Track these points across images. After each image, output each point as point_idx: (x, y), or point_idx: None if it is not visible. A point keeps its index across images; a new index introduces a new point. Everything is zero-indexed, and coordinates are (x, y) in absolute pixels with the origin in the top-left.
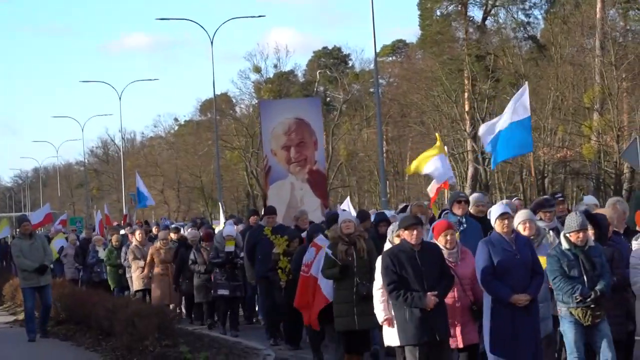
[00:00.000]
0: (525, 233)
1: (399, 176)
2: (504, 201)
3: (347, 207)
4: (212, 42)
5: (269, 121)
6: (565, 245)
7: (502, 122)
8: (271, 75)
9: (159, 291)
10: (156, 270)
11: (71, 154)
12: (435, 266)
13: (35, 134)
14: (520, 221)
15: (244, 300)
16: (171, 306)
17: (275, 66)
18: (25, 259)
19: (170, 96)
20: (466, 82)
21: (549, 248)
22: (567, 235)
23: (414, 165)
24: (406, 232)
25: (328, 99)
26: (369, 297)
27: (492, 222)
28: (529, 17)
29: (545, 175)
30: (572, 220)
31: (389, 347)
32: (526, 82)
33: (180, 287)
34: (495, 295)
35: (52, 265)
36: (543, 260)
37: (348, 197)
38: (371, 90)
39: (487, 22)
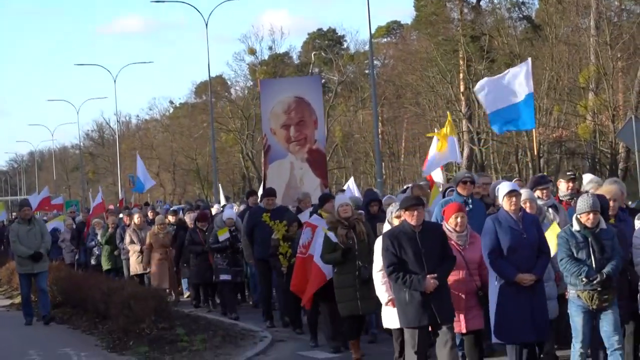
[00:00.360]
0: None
1: (395, 157)
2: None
3: (352, 188)
4: (206, 25)
5: (268, 100)
6: (575, 226)
7: (503, 97)
8: (266, 57)
9: (158, 275)
10: (155, 254)
11: (66, 138)
12: (436, 248)
13: (30, 118)
14: (522, 201)
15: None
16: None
17: (270, 48)
18: (21, 244)
19: (165, 79)
20: (461, 62)
21: (549, 224)
22: (578, 216)
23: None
24: (407, 212)
25: (323, 80)
26: (371, 281)
27: (500, 200)
28: None
29: (541, 155)
30: (584, 201)
31: (388, 330)
32: (529, 59)
33: (180, 270)
34: (500, 274)
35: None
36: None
37: (352, 178)
38: (366, 71)
39: (481, 3)
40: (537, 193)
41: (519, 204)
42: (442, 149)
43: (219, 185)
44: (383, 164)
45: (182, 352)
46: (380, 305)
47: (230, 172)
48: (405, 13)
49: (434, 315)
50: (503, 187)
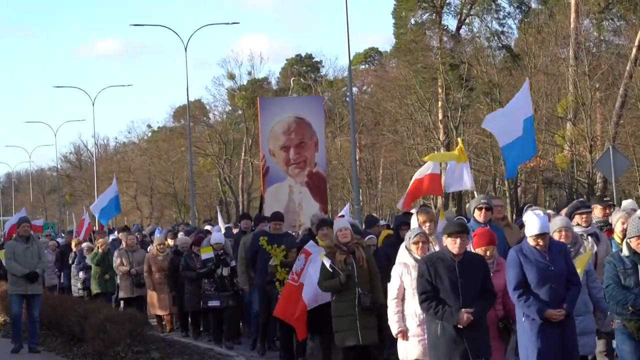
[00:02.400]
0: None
1: (372, 184)
2: (536, 210)
3: (346, 214)
4: (186, 49)
5: (267, 119)
6: (625, 251)
7: (516, 127)
8: (245, 82)
9: (157, 300)
10: (155, 277)
11: (44, 160)
12: (475, 280)
13: (7, 139)
14: (556, 229)
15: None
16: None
17: (249, 73)
18: (16, 262)
19: (143, 102)
20: (440, 90)
21: (589, 254)
22: (628, 240)
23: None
24: (449, 239)
25: None
26: (372, 309)
27: (527, 233)
28: (503, 27)
29: (519, 184)
30: (634, 224)
31: None
32: (527, 79)
33: (172, 294)
34: (528, 311)
35: (44, 274)
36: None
37: (348, 204)
38: (345, 98)
39: (461, 31)
40: (577, 219)
41: (545, 244)
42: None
43: (217, 208)
44: (360, 190)
45: None
46: (380, 335)
47: (207, 197)
48: (384, 40)
49: (466, 353)
50: (531, 224)
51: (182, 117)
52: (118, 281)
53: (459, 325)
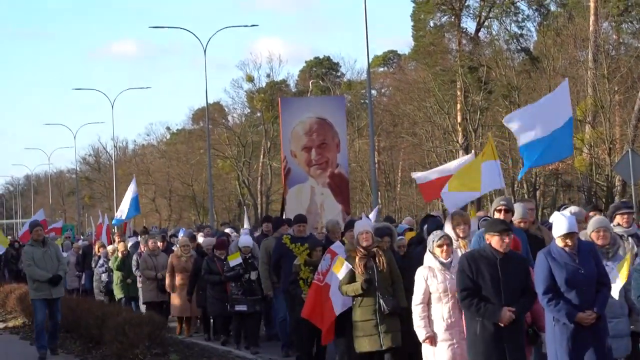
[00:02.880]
0: (598, 242)
1: (391, 187)
2: (572, 209)
3: (374, 218)
4: (205, 51)
5: (289, 120)
6: None
7: (542, 127)
8: (264, 85)
9: (180, 302)
10: (176, 279)
11: (63, 162)
12: (517, 279)
13: (27, 141)
14: (594, 229)
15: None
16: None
17: (268, 75)
18: (37, 267)
19: (162, 104)
20: (459, 93)
21: (630, 256)
22: None
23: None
24: (496, 237)
25: None
26: (394, 314)
27: (554, 234)
28: (522, 29)
29: (537, 187)
30: None
31: None
32: (566, 79)
33: (191, 298)
34: (558, 316)
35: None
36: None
37: (377, 207)
38: (363, 100)
39: (480, 34)
40: (617, 220)
41: (574, 244)
42: (470, 173)
43: (244, 208)
44: (379, 193)
45: None
46: (402, 339)
47: (226, 199)
48: (402, 42)
49: (504, 353)
50: (559, 225)
51: (201, 120)
52: (139, 285)
53: (501, 324)
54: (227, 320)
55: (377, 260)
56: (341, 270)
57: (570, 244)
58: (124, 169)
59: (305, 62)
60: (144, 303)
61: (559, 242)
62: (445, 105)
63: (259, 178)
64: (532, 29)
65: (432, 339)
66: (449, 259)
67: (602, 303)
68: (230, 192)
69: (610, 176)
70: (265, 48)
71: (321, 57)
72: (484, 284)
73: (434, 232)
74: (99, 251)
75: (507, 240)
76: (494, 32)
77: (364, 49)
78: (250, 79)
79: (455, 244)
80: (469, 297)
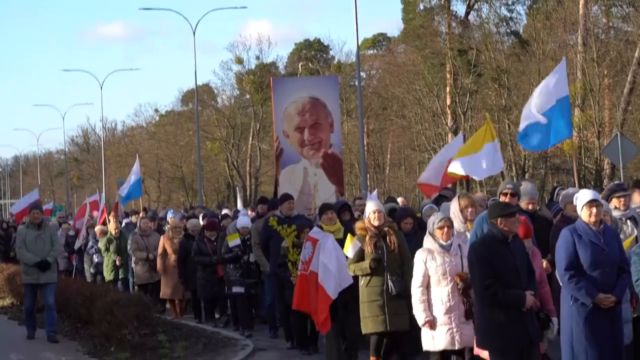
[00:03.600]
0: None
1: (380, 169)
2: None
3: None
4: (194, 33)
5: (281, 100)
6: None
7: (539, 106)
8: (253, 67)
9: (170, 284)
10: (167, 262)
11: (52, 143)
12: (526, 261)
13: (15, 122)
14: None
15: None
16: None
17: (257, 57)
18: (27, 251)
19: (151, 86)
20: (448, 76)
21: (631, 240)
22: None
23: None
24: (507, 220)
25: None
26: (402, 295)
27: (578, 209)
28: (512, 13)
29: (526, 170)
30: None
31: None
32: (563, 58)
33: (185, 281)
34: (577, 294)
35: (57, 262)
36: None
37: (376, 189)
38: (352, 83)
39: (470, 17)
40: (614, 202)
41: (600, 215)
42: (468, 152)
43: (238, 189)
44: (368, 175)
45: (164, 359)
46: (410, 323)
47: (215, 181)
48: (392, 25)
49: (529, 337)
50: (582, 196)
51: (190, 101)
52: (132, 266)
53: (524, 309)
54: (218, 303)
55: (388, 240)
56: (350, 248)
57: (595, 212)
58: (113, 150)
59: (295, 44)
60: (136, 285)
61: (585, 215)
62: (434, 88)
63: (248, 160)
64: (522, 12)
65: (432, 323)
66: (449, 242)
67: (622, 288)
68: (219, 173)
69: (599, 159)
70: (254, 30)
71: (311, 39)
72: (503, 270)
73: (434, 214)
74: (87, 231)
75: (515, 222)
76: (483, 15)
77: (354, 32)
78: (239, 61)
79: (462, 226)
80: (493, 287)
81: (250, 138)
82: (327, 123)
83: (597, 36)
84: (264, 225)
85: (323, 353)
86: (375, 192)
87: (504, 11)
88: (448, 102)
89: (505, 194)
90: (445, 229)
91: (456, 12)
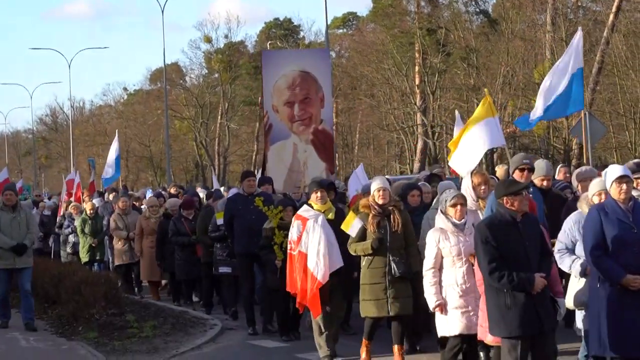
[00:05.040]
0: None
1: (349, 149)
2: (584, 168)
3: (361, 173)
4: (162, 11)
5: (271, 73)
6: None
7: (554, 78)
8: (222, 46)
9: (148, 266)
10: (145, 242)
11: (19, 122)
12: (537, 241)
13: None
14: (596, 192)
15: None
16: (163, 283)
17: (226, 36)
18: (2, 234)
19: (119, 65)
20: (417, 55)
21: None
22: None
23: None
24: (517, 198)
25: None
26: (405, 278)
27: (607, 186)
28: None
29: (495, 150)
30: None
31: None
32: (579, 28)
33: (162, 263)
34: (605, 274)
35: (34, 245)
36: None
37: (362, 164)
38: None
39: None
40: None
41: (630, 192)
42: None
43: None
44: (337, 155)
45: (132, 339)
46: (412, 307)
47: (183, 160)
48: (362, 4)
49: (540, 322)
50: (612, 171)
51: (159, 80)
52: (109, 246)
53: (534, 292)
54: (195, 284)
55: (392, 220)
56: (352, 226)
57: (625, 189)
58: (81, 129)
59: (265, 23)
60: (116, 266)
61: (614, 192)
62: (403, 67)
63: (217, 139)
64: None
65: (443, 307)
66: (463, 220)
67: None
68: (188, 153)
69: (568, 139)
70: (222, 9)
71: (279, 18)
72: (510, 252)
73: (447, 190)
74: (63, 210)
75: (526, 200)
76: None
77: (323, 11)
78: (208, 40)
79: (474, 204)
80: (499, 269)
81: (219, 117)
82: (318, 98)
83: (565, 16)
84: (228, 203)
85: (305, 339)
86: (361, 167)
87: None
88: (417, 81)
89: (522, 169)
90: (459, 207)
91: None
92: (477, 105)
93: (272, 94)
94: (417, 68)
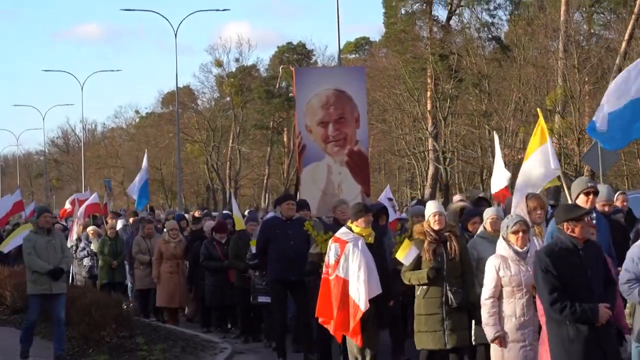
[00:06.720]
0: None
1: None
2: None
3: (387, 195)
4: (175, 35)
5: (304, 92)
6: None
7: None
8: (233, 69)
9: (166, 292)
10: (164, 267)
11: (31, 143)
12: (600, 270)
13: None
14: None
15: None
16: (186, 310)
17: (237, 60)
18: (38, 258)
19: (131, 87)
20: (429, 81)
21: None
22: None
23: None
24: (579, 224)
25: (290, 94)
26: (461, 308)
27: None
28: (494, 18)
29: None
30: None
31: None
32: None
33: (192, 288)
34: None
35: (70, 269)
36: None
37: (388, 185)
38: None
39: (451, 22)
40: None
41: None
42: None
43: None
44: None
45: None
46: (471, 339)
47: (194, 183)
48: (374, 30)
49: (604, 356)
50: None
51: (171, 103)
52: (128, 270)
53: (598, 323)
54: (227, 312)
55: (449, 247)
56: (407, 255)
57: None
58: (93, 151)
59: (277, 47)
60: (137, 290)
61: None
62: (415, 92)
63: (228, 163)
64: (504, 17)
65: (503, 339)
66: (525, 248)
67: None
68: (199, 176)
69: (579, 166)
70: (233, 32)
71: (291, 42)
72: (572, 281)
73: (509, 216)
74: (80, 232)
75: (590, 226)
76: (465, 21)
77: (335, 35)
78: (219, 64)
79: (531, 230)
80: (560, 301)
81: (230, 141)
82: (353, 118)
83: (578, 43)
84: (263, 227)
85: None
86: (387, 189)
87: (485, 17)
88: (429, 107)
89: (588, 193)
90: (521, 234)
91: (438, 17)
92: (489, 131)
93: (305, 113)
94: (429, 93)
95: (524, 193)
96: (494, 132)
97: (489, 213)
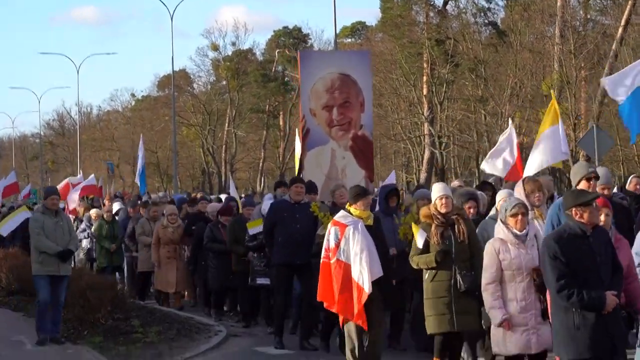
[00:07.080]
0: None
1: None
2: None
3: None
4: (172, 18)
5: (309, 75)
6: None
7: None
8: (229, 53)
9: (164, 277)
10: (162, 251)
11: (27, 126)
12: (608, 256)
13: None
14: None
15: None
16: (185, 296)
17: (234, 44)
18: (46, 239)
19: (127, 70)
20: (425, 66)
21: None
22: None
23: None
24: (588, 209)
25: (286, 78)
26: (470, 292)
27: None
28: (490, 3)
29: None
30: None
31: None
32: None
33: (195, 269)
34: None
35: (76, 252)
36: None
37: (393, 171)
38: None
39: (448, 7)
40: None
41: None
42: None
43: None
44: None
45: (137, 344)
46: (481, 323)
47: (190, 167)
48: (371, 14)
49: (611, 344)
50: None
51: (166, 87)
52: (135, 254)
53: (606, 311)
54: (230, 295)
55: (457, 230)
56: (417, 238)
57: None
58: (88, 134)
59: (274, 31)
60: (138, 272)
61: None
62: (411, 77)
63: (224, 146)
64: (500, 3)
65: (509, 323)
66: (524, 231)
67: None
68: (195, 159)
69: (575, 151)
70: (230, 16)
71: (287, 26)
72: (580, 268)
73: (508, 199)
74: (82, 213)
75: (595, 211)
76: (461, 6)
77: (331, 20)
78: (215, 48)
79: (530, 213)
80: (568, 287)
81: (226, 124)
82: (358, 102)
83: (574, 28)
84: (272, 209)
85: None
86: (392, 174)
87: (482, 2)
88: (425, 91)
89: (589, 179)
90: (520, 217)
91: (434, 1)
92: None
93: (310, 96)
94: (425, 78)
95: (529, 172)
96: (510, 119)
97: (501, 195)
